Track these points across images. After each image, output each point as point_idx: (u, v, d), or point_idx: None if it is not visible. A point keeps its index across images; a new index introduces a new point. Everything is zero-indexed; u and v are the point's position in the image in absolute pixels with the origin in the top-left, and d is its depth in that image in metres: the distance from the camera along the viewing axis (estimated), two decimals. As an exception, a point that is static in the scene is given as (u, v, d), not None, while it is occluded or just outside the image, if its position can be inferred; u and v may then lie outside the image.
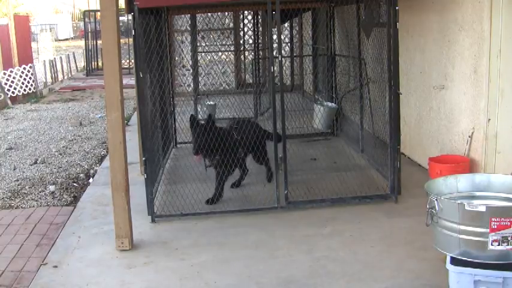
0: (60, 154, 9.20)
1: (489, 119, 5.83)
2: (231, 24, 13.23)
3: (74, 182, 7.59)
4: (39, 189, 7.27)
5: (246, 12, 11.33)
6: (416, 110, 7.29)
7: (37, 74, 17.01)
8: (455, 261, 3.82)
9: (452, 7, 6.26)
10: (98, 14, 19.39)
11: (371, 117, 7.37)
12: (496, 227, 3.65)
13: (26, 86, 16.26)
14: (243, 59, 12.65)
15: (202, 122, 6.06)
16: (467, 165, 6.05)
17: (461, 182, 4.31)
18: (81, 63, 23.71)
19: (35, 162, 8.70)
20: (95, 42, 21.97)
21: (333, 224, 5.46)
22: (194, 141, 5.93)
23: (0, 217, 6.24)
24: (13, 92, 15.62)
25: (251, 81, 11.10)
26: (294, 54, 12.51)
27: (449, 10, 6.33)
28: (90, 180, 7.50)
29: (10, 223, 6.02)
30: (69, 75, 21.33)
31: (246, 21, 11.68)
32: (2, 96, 15.19)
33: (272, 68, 5.62)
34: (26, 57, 18.02)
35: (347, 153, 7.61)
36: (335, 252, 4.85)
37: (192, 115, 6.18)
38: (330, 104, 8.88)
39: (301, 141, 8.51)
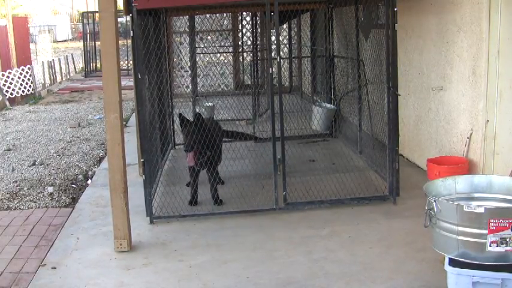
0: (59, 155, 9.19)
1: (488, 120, 5.83)
2: (230, 26, 13.23)
3: (73, 184, 7.59)
4: (38, 191, 7.27)
5: (244, 13, 11.33)
6: (415, 111, 7.30)
7: (36, 75, 17.00)
8: (453, 263, 3.83)
9: (451, 8, 6.27)
10: (97, 15, 19.38)
11: (369, 118, 7.37)
12: (494, 228, 3.65)
13: (25, 87, 16.25)
14: (241, 60, 12.65)
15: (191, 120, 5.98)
16: (465, 166, 6.05)
17: (459, 184, 4.32)
18: (80, 65, 23.69)
19: (34, 164, 8.69)
20: (93, 44, 21.94)
21: (331, 225, 5.46)
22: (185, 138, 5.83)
23: (-1, 218, 6.24)
24: (11, 93, 15.61)
25: (249, 82, 11.10)
26: (293, 56, 12.51)
27: (448, 11, 6.34)
28: (89, 181, 7.50)
29: (8, 224, 6.02)
30: (68, 77, 21.32)
31: (244, 22, 11.67)
32: (1, 97, 15.18)
33: (271, 69, 5.62)
34: (25, 59, 17.99)
35: (345, 155, 7.61)
36: (334, 253, 4.85)
37: (180, 113, 6.05)
38: (328, 105, 8.88)
39: (299, 142, 8.51)
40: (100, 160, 8.70)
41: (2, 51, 16.56)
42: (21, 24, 18.62)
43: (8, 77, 15.55)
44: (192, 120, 5.93)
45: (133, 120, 10.22)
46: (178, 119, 6.03)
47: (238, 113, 9.65)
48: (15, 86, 15.82)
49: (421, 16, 6.97)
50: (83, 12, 27.46)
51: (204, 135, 5.82)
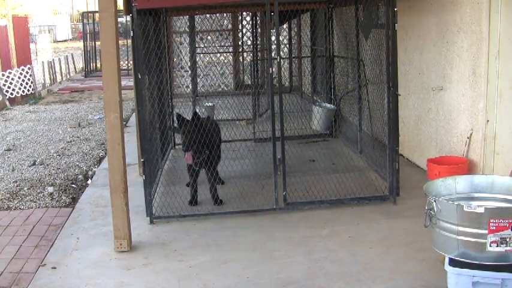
0: (59, 155, 9.19)
1: (488, 120, 5.83)
2: (230, 26, 13.23)
3: (73, 183, 7.59)
4: (38, 191, 7.27)
5: (244, 13, 11.34)
6: (415, 111, 7.30)
7: (36, 75, 16.99)
8: (454, 263, 3.83)
9: (451, 8, 6.27)
10: (97, 15, 19.38)
11: (369, 118, 7.37)
12: (494, 228, 3.65)
13: (25, 87, 16.24)
14: (241, 60, 12.64)
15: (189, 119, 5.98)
16: (465, 166, 6.05)
17: (459, 183, 4.32)
18: (80, 65, 23.69)
19: (34, 164, 8.69)
20: (93, 44, 21.94)
21: (331, 225, 5.46)
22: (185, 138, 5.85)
23: (-1, 218, 6.24)
24: (12, 93, 15.61)
25: (250, 82, 11.10)
26: (293, 56, 12.51)
27: (448, 11, 6.34)
28: (89, 181, 7.50)
29: (9, 224, 6.02)
30: (68, 77, 21.31)
31: (244, 22, 11.68)
32: (1, 97, 15.18)
33: (271, 69, 5.62)
34: (25, 59, 17.99)
35: (346, 155, 7.61)
36: (334, 253, 4.85)
37: (177, 113, 6.11)
38: (328, 105, 8.88)
39: (299, 142, 8.51)
40: (100, 160, 8.70)
41: (2, 51, 16.55)
42: (21, 24, 18.62)
43: (8, 77, 15.54)
44: (190, 119, 5.93)
45: (133, 120, 10.21)
46: (176, 119, 6.04)
47: (238, 113, 9.65)
48: (15, 86, 15.82)
49: (421, 16, 6.97)
50: (83, 12, 27.46)
51: (201, 134, 5.82)
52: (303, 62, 12.28)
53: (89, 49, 21.90)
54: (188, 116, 6.05)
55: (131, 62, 12.48)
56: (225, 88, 13.34)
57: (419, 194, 4.64)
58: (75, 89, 18.06)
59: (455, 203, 3.89)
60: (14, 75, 15.83)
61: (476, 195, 4.29)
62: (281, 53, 7.35)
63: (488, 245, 3.68)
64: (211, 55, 12.61)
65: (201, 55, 12.13)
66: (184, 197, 6.08)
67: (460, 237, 3.78)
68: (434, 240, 4.05)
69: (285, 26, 12.21)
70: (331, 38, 8.64)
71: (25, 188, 7.41)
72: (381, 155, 6.48)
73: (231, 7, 7.75)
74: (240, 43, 12.42)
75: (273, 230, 5.42)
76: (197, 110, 10.25)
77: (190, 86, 11.27)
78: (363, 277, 4.41)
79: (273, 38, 5.75)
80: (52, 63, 19.46)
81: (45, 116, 13.14)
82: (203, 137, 5.83)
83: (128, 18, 6.21)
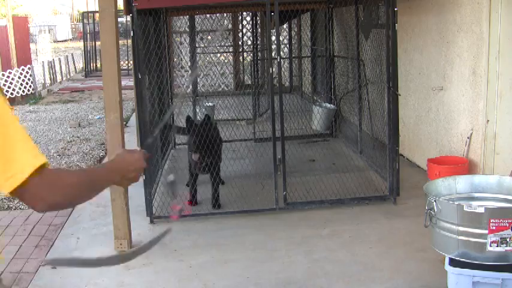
0: (59, 155, 9.19)
1: (488, 120, 5.83)
2: (230, 26, 13.23)
3: (73, 183, 7.57)
4: (38, 191, 7.25)
5: (244, 13, 11.34)
6: (415, 111, 7.30)
7: (36, 75, 16.98)
8: (454, 263, 3.83)
9: (451, 8, 6.27)
10: (97, 15, 19.36)
11: (370, 118, 7.37)
12: (494, 228, 3.65)
13: (25, 87, 16.23)
14: (241, 60, 12.64)
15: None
16: (466, 166, 6.05)
17: (460, 183, 4.32)
18: (80, 65, 23.67)
19: (34, 164, 8.68)
20: (93, 44, 21.92)
21: (331, 225, 5.46)
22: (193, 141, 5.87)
23: (-1, 218, 6.24)
24: (12, 93, 15.60)
25: (250, 82, 11.10)
26: (293, 56, 12.51)
27: (448, 11, 6.34)
28: (89, 181, 7.48)
29: (9, 224, 6.02)
30: (68, 77, 21.30)
31: (244, 22, 11.68)
32: (1, 97, 15.16)
33: (271, 69, 5.62)
34: (25, 59, 17.98)
35: (346, 155, 7.61)
36: (334, 253, 4.85)
37: (188, 116, 6.13)
38: (328, 105, 8.88)
39: (299, 142, 8.51)
40: (100, 160, 8.70)
41: (2, 51, 16.55)
42: (21, 24, 18.61)
43: (8, 77, 15.53)
44: (199, 123, 5.91)
45: (133, 120, 10.21)
46: (185, 122, 5.99)
47: (238, 113, 9.65)
48: (16, 86, 15.81)
49: (421, 16, 6.97)
50: (83, 12, 27.45)
51: (209, 138, 5.79)
52: (303, 62, 12.27)
53: (89, 49, 21.88)
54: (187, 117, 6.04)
55: (131, 62, 12.48)
56: (225, 88, 13.34)
57: (419, 194, 4.64)
58: (75, 89, 18.05)
59: (456, 203, 3.89)
60: (14, 75, 15.82)
61: (476, 195, 4.30)
62: (281, 53, 7.35)
63: (489, 245, 3.68)
64: (212, 55, 12.61)
65: (201, 55, 12.14)
66: (185, 197, 6.08)
67: (460, 237, 3.78)
68: (434, 240, 4.06)
69: (285, 26, 12.20)
70: (331, 38, 8.64)
71: (25, 188, 7.40)
72: (381, 155, 6.49)
73: (231, 7, 7.75)
74: (240, 43, 12.42)
75: (273, 230, 5.43)
76: (197, 110, 10.27)
77: (191, 86, 11.26)
78: (363, 277, 4.41)
79: (273, 38, 5.75)
80: (52, 63, 19.44)
81: (45, 116, 13.13)
82: (211, 141, 5.81)
83: (128, 18, 6.21)
